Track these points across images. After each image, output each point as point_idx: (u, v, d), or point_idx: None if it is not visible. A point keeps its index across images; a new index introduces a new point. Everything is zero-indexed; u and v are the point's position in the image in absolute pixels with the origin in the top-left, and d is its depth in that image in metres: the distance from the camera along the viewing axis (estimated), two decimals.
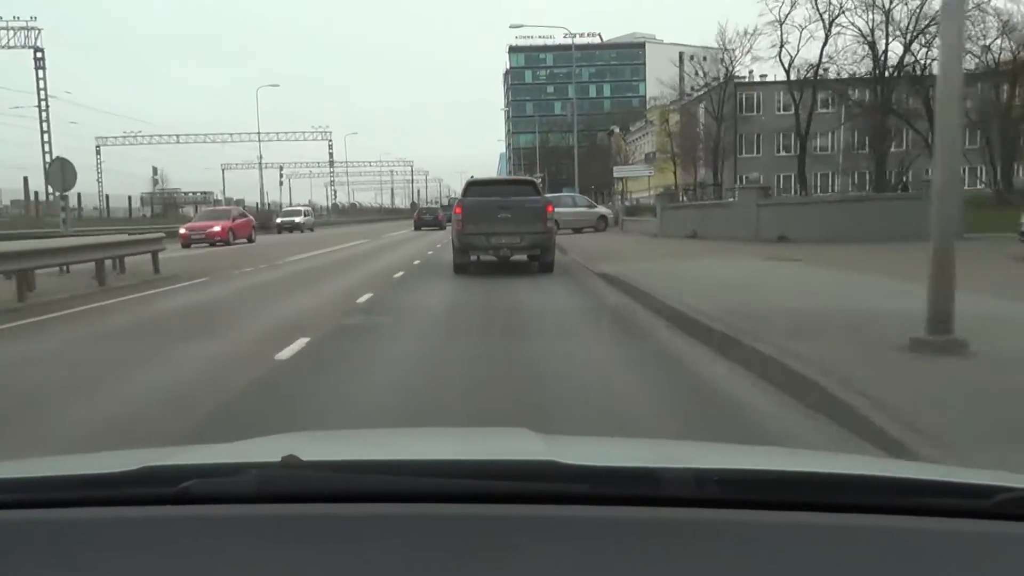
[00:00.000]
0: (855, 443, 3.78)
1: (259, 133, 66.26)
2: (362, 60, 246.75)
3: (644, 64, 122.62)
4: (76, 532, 1.03)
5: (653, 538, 0.99)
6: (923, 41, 33.09)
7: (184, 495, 1.08)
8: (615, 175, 51.11)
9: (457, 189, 36.47)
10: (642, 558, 0.96)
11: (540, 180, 61.39)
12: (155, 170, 70.23)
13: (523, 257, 14.86)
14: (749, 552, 0.97)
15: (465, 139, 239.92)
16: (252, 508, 1.08)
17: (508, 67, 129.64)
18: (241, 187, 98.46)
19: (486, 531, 1.01)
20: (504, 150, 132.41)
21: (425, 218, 47.85)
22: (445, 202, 71.06)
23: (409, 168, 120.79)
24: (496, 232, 13.90)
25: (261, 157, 65.22)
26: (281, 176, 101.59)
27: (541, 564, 0.94)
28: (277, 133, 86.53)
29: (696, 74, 48.21)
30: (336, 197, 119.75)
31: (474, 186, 15.12)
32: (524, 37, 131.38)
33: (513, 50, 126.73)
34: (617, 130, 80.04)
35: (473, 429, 3.13)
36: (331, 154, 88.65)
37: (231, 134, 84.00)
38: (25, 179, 36.21)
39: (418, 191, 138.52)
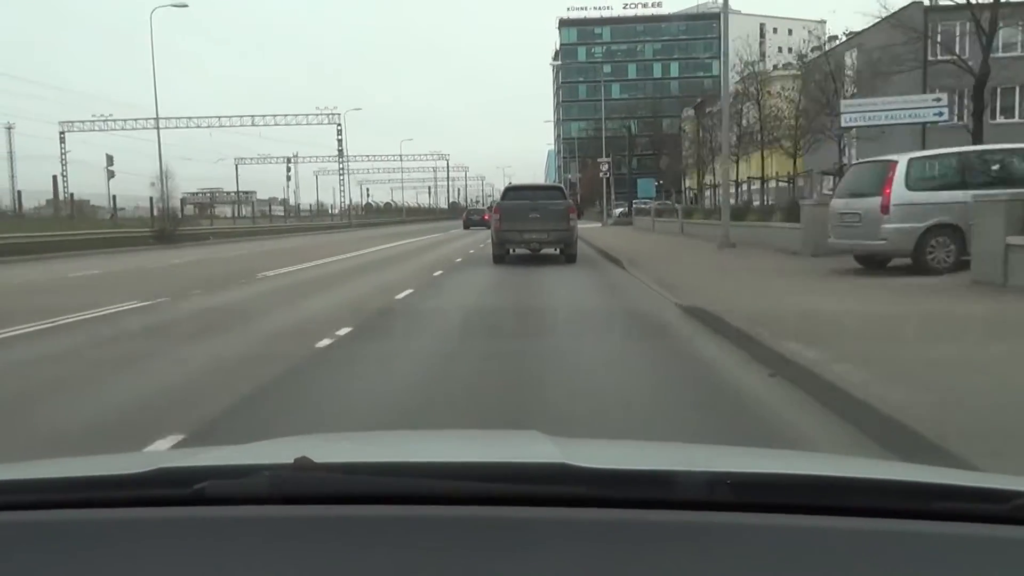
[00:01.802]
0: None
1: (157, 114, 49.78)
2: (391, 48, 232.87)
3: (719, 38, 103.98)
4: (91, 533, 1.04)
5: (665, 541, 0.99)
6: None
7: (197, 496, 1.08)
8: (844, 121, 21.72)
9: (499, 187, 37.02)
10: (654, 562, 0.96)
11: (607, 167, 47.02)
12: (110, 159, 54.42)
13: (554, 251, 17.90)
14: (761, 556, 0.97)
15: (510, 133, 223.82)
16: (265, 509, 1.07)
17: (558, 45, 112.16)
18: (245, 183, 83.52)
19: (497, 534, 1.01)
20: (553, 144, 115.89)
21: (473, 218, 53.24)
22: (488, 202, 73.78)
23: (445, 163, 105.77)
24: (527, 229, 17.37)
25: (158, 139, 47.96)
26: (289, 171, 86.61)
27: (552, 567, 0.94)
28: (275, 115, 71.22)
29: None
30: (370, 195, 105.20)
31: (511, 191, 19.04)
32: (577, 8, 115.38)
33: (564, 24, 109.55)
34: (693, 112, 62.68)
35: (484, 431, 3.15)
36: (340, 140, 72.61)
37: (219, 117, 69.11)
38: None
39: (458, 190, 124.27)
